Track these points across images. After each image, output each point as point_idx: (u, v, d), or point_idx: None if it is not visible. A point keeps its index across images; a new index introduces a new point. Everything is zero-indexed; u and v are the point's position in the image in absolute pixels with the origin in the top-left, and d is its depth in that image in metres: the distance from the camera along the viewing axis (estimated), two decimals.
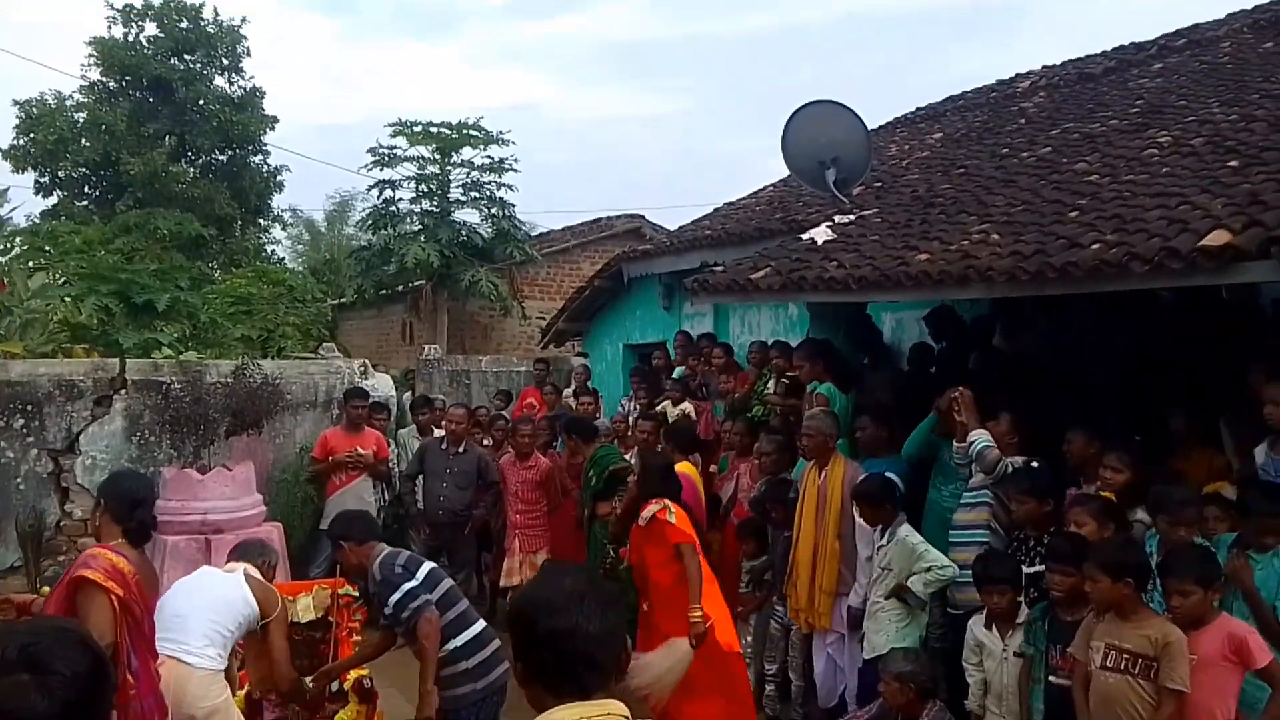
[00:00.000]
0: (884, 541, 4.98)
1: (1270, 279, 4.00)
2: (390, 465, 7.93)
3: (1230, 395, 4.67)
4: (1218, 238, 3.98)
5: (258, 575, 4.45)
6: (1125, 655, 3.54)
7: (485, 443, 8.49)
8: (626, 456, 6.96)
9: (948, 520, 5.18)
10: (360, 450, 7.50)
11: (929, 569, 4.76)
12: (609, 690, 1.82)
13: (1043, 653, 4.08)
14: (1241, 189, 4.50)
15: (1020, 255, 4.78)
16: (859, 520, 5.31)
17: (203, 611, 4.10)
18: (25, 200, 21.41)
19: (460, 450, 7.40)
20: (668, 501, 5.04)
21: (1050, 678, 4.03)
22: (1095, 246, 4.47)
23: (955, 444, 5.13)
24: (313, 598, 5.19)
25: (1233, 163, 5.03)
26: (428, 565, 4.40)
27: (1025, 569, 4.44)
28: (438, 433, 7.99)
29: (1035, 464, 4.74)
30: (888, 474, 5.27)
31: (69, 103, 20.24)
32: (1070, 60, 10.13)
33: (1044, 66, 10.41)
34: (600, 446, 6.89)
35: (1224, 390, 4.82)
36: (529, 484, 6.98)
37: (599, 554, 6.57)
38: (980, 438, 4.91)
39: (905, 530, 4.95)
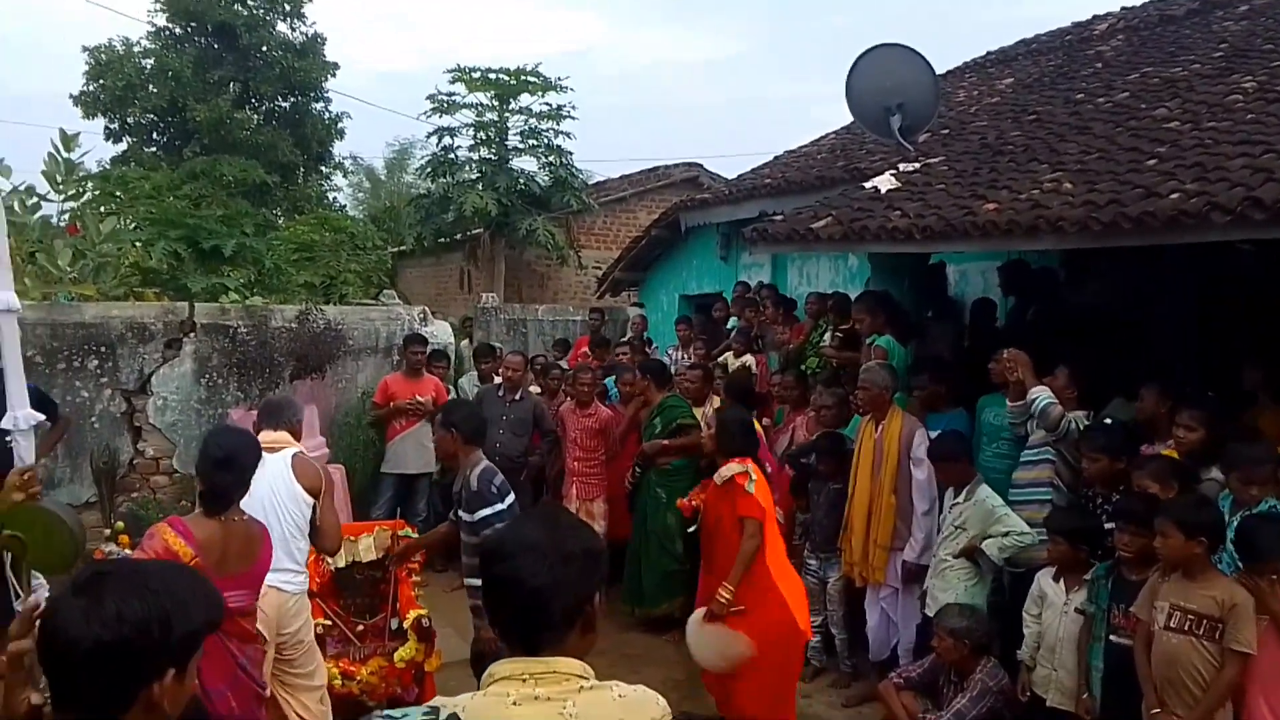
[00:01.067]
0: (960, 500, 4.91)
1: None
2: None
3: None
4: None
5: (296, 448, 4.33)
6: (1190, 616, 3.48)
7: (538, 390, 8.57)
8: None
9: (994, 481, 5.08)
10: (420, 398, 7.59)
11: (1007, 533, 4.68)
12: (563, 646, 1.73)
13: (1105, 611, 4.02)
14: None
15: (1094, 205, 4.62)
16: (915, 475, 5.26)
17: (287, 537, 4.10)
18: (95, 146, 21.86)
19: (517, 398, 7.46)
20: (749, 464, 4.74)
21: (1111, 636, 3.97)
22: (1174, 196, 4.30)
23: (1010, 403, 5.04)
24: (374, 539, 5.32)
25: None
26: (512, 495, 4.38)
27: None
28: (497, 380, 8.06)
29: (1109, 420, 4.63)
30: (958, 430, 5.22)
31: (136, 49, 20.56)
32: (1151, 1, 9.69)
33: (1123, 8, 9.98)
34: (670, 395, 6.87)
35: None
36: (588, 431, 6.99)
37: (651, 501, 6.61)
38: (1042, 395, 4.81)
39: (985, 491, 4.86)
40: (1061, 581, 4.30)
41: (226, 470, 3.36)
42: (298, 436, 4.51)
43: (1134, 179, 4.76)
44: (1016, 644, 4.49)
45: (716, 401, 6.95)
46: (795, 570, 4.95)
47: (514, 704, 1.68)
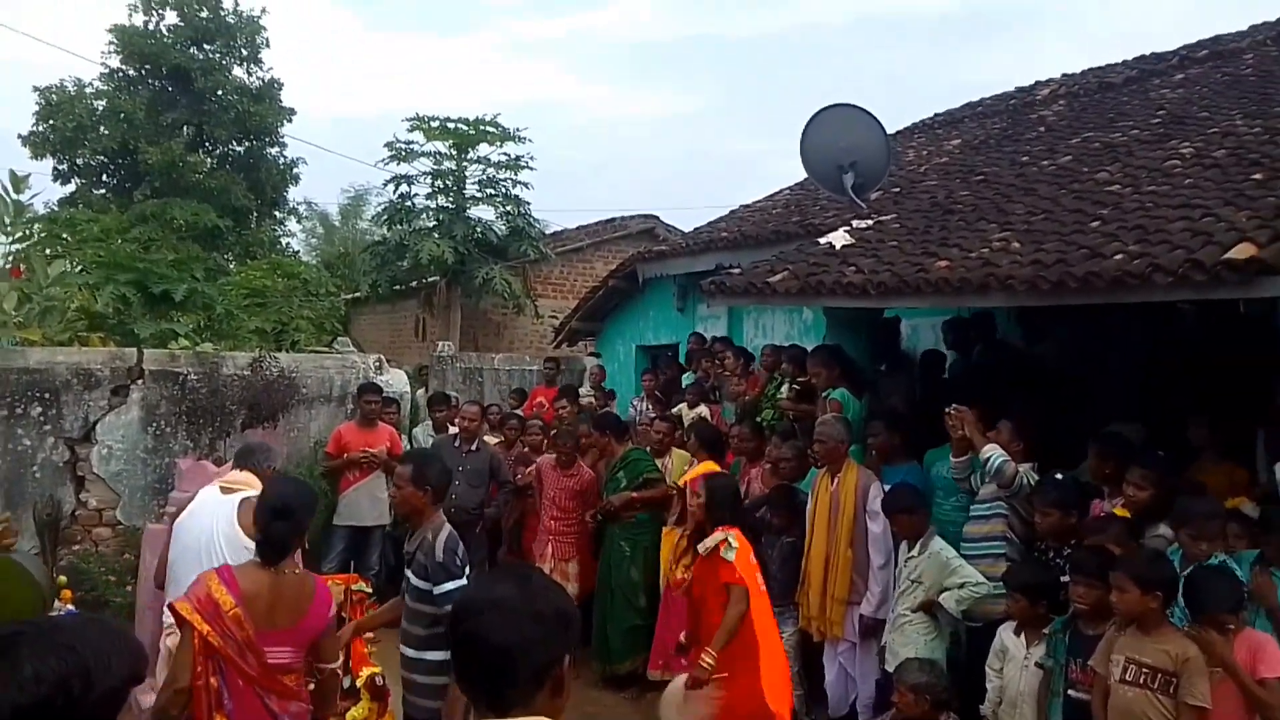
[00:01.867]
0: (915, 553, 4.95)
1: None
2: None
3: (1261, 408, 4.64)
4: (1243, 251, 3.96)
5: (254, 491, 4.17)
6: (1145, 669, 3.53)
7: (495, 440, 8.51)
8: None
9: (948, 534, 5.13)
10: (371, 449, 7.46)
11: (963, 585, 4.73)
12: (531, 707, 1.69)
13: (1063, 665, 4.07)
14: (1266, 202, 4.49)
15: (1041, 264, 4.77)
16: (871, 528, 5.31)
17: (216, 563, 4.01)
18: (44, 187, 21.47)
19: (473, 448, 7.40)
20: (732, 532, 4.51)
21: (1070, 691, 4.01)
22: (1118, 257, 4.45)
23: (953, 459, 5.12)
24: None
25: (1257, 175, 5.01)
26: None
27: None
28: (453, 430, 7.99)
29: (1059, 475, 4.73)
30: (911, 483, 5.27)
31: (88, 90, 20.35)
32: (1090, 69, 10.11)
33: (1064, 74, 10.38)
34: (632, 448, 6.87)
35: (1249, 404, 4.80)
36: (568, 492, 6.91)
37: (615, 554, 6.57)
38: (995, 453, 4.89)
39: (938, 544, 4.92)
40: (1022, 635, 4.34)
41: (284, 519, 3.30)
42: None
43: (1079, 240, 4.92)
44: (975, 698, 4.51)
45: (677, 454, 6.97)
46: (780, 642, 4.74)
47: None
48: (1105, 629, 3.79)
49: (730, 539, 4.44)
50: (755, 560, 4.61)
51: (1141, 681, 3.53)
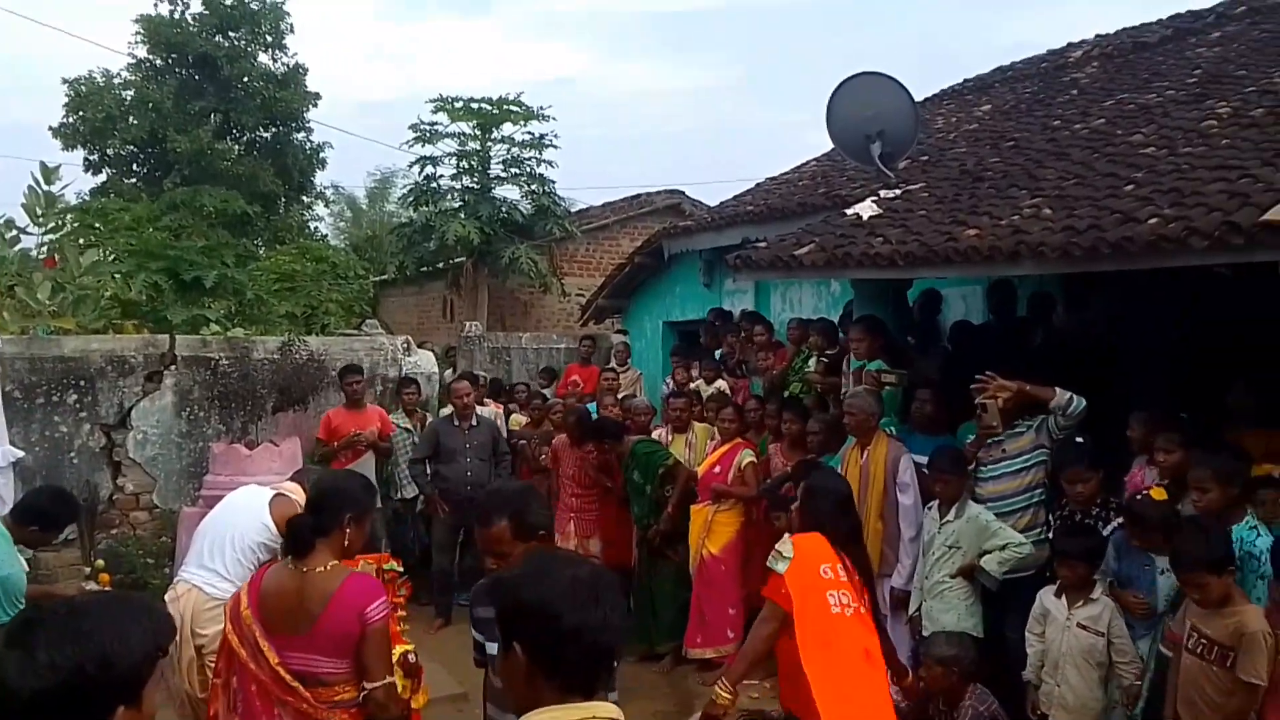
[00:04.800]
0: (951, 518, 4.91)
1: None
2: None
3: None
4: None
5: (295, 496, 4.32)
6: (1204, 640, 3.48)
7: (525, 420, 8.53)
8: (658, 436, 6.94)
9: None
10: (359, 432, 7.41)
11: (1004, 546, 4.69)
12: (609, 686, 1.78)
13: (1161, 617, 4.07)
14: None
15: (1073, 230, 4.66)
16: (901, 500, 5.26)
17: (226, 542, 4.25)
18: (75, 178, 21.77)
19: (474, 424, 7.39)
20: (807, 539, 3.64)
21: (1160, 646, 4.00)
22: (1152, 221, 4.34)
23: (985, 426, 5.01)
24: (360, 570, 5.24)
25: None
26: None
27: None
28: (445, 411, 7.90)
29: (1079, 440, 4.68)
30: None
31: (116, 80, 20.58)
32: (1124, 29, 9.84)
33: (1097, 35, 10.12)
34: (637, 440, 6.84)
35: None
36: (589, 466, 6.94)
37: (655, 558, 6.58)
38: (1067, 395, 4.77)
39: (975, 508, 4.87)
40: (1063, 598, 4.30)
41: (315, 512, 3.15)
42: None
43: (1112, 204, 4.81)
44: (1007, 663, 4.47)
45: (699, 428, 6.95)
46: (868, 688, 3.46)
47: None
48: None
49: (784, 548, 3.60)
50: (845, 577, 3.56)
51: (1200, 652, 3.49)
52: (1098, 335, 6.07)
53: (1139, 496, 4.41)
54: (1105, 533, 4.41)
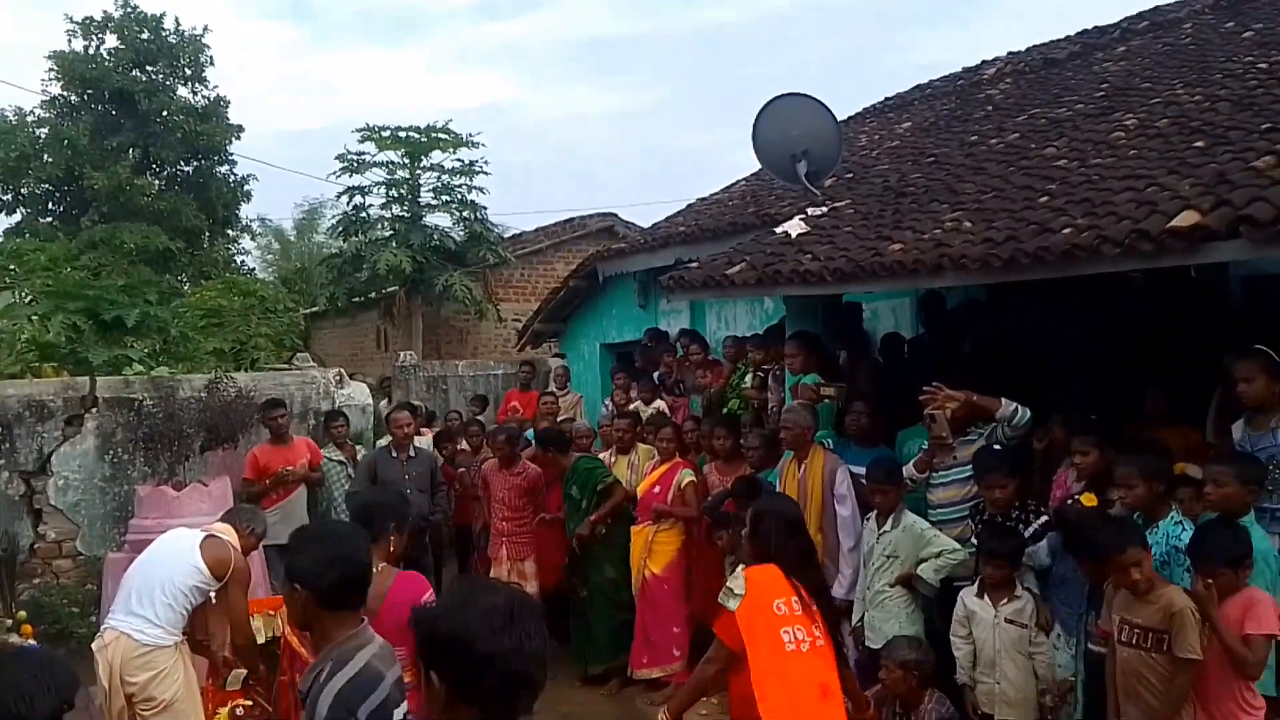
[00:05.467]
0: (889, 528, 4.98)
1: (1239, 258, 4.03)
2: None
3: (1216, 371, 4.69)
4: (1187, 218, 4.00)
5: (227, 537, 4.45)
6: (1137, 630, 3.56)
7: (461, 448, 8.44)
8: (604, 458, 6.93)
9: (915, 509, 5.17)
10: (289, 468, 7.26)
11: (939, 554, 4.79)
12: (531, 711, 1.79)
13: (1082, 618, 4.16)
14: (1208, 169, 4.53)
15: (992, 242, 4.79)
16: (839, 512, 5.32)
17: (155, 586, 4.20)
18: None
19: (412, 454, 7.30)
20: (762, 571, 3.51)
21: (1089, 644, 4.08)
22: (1066, 231, 4.48)
23: (935, 439, 5.10)
24: (261, 621, 5.11)
25: (1199, 143, 5.07)
26: None
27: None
28: (382, 442, 7.82)
29: (997, 446, 4.82)
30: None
31: (30, 118, 19.99)
32: (1035, 45, 10.19)
33: (1009, 53, 10.47)
34: (579, 457, 6.83)
35: (1204, 369, 4.86)
36: (516, 490, 6.88)
37: (590, 556, 6.54)
38: (1013, 406, 4.89)
39: (910, 518, 4.96)
40: (986, 597, 4.42)
41: (364, 525, 3.33)
42: (246, 548, 4.59)
43: (1029, 216, 4.95)
44: (951, 668, 4.56)
45: (642, 449, 6.95)
46: None
47: None
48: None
49: (735, 584, 3.48)
50: (801, 610, 3.43)
51: (1135, 642, 3.57)
52: (1024, 342, 6.23)
53: (1069, 502, 4.53)
54: (1026, 534, 4.54)
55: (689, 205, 11.19)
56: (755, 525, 3.69)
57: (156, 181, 20.34)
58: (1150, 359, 5.52)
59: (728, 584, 3.54)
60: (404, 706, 2.48)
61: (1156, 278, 5.62)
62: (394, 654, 2.60)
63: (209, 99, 20.79)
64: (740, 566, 3.60)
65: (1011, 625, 4.31)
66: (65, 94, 20.02)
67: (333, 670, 2.42)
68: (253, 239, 25.42)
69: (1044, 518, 4.60)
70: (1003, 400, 4.92)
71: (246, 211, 22.88)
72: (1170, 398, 5.00)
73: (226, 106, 20.92)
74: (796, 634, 3.38)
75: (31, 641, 5.22)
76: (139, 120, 19.75)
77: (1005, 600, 4.36)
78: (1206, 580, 3.49)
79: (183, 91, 20.64)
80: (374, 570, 3.11)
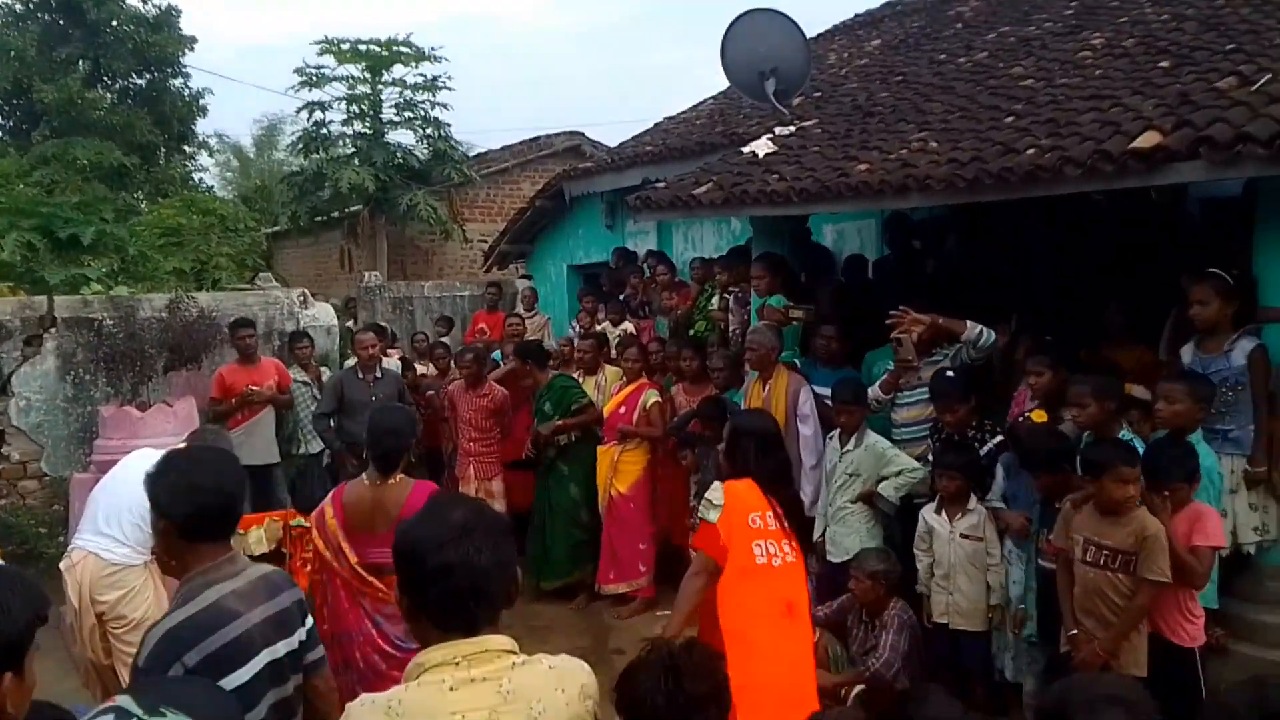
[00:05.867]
0: (851, 447, 5.09)
1: (1197, 179, 4.08)
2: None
3: (1172, 291, 4.77)
4: (1148, 139, 4.04)
5: None
6: (1105, 551, 3.64)
7: (431, 372, 8.45)
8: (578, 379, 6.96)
9: (880, 429, 5.28)
10: (254, 387, 7.21)
11: (899, 472, 4.93)
12: (496, 623, 1.81)
13: (1035, 535, 4.28)
14: (1172, 89, 4.56)
15: (957, 163, 4.81)
16: (802, 431, 5.41)
17: (123, 506, 4.17)
18: None
19: (379, 375, 7.28)
20: (739, 485, 3.47)
21: (1040, 560, 4.21)
22: (1030, 152, 4.51)
23: (900, 360, 5.17)
24: (265, 530, 5.18)
25: (1164, 63, 5.08)
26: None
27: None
28: (350, 362, 7.80)
29: (950, 373, 4.91)
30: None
31: None
32: None
33: None
34: (557, 374, 6.87)
35: (1161, 290, 4.95)
36: (482, 411, 6.90)
37: (554, 475, 6.63)
38: (978, 328, 4.97)
39: (873, 437, 5.08)
40: (943, 513, 4.58)
41: (393, 437, 3.75)
42: None
43: (994, 136, 4.96)
44: (910, 578, 4.73)
45: (610, 371, 6.99)
46: (786, 643, 3.36)
47: (450, 689, 1.72)
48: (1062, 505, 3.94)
49: (714, 495, 3.46)
50: (775, 524, 3.41)
51: (1101, 563, 3.64)
52: (988, 263, 6.29)
53: (1020, 419, 4.65)
54: (982, 452, 4.67)
55: (656, 124, 11.03)
56: (732, 441, 3.65)
57: (108, 95, 19.63)
58: (1110, 280, 5.61)
59: (707, 495, 3.51)
60: (282, 647, 2.32)
61: (1118, 199, 5.68)
62: (279, 589, 2.40)
63: (160, 8, 19.97)
64: (717, 484, 3.52)
65: (966, 540, 4.48)
66: (10, 2, 19.17)
67: (174, 606, 2.28)
68: (210, 156, 24.78)
69: (999, 437, 4.72)
70: (968, 322, 5.00)
71: (203, 127, 22.20)
72: (1128, 315, 5.11)
73: (178, 17, 20.12)
74: (769, 548, 3.37)
75: (0, 561, 5.23)
76: (88, 30, 18.97)
77: (960, 515, 4.53)
78: (1163, 494, 3.60)
79: (133, 0, 19.83)
80: (394, 481, 3.68)
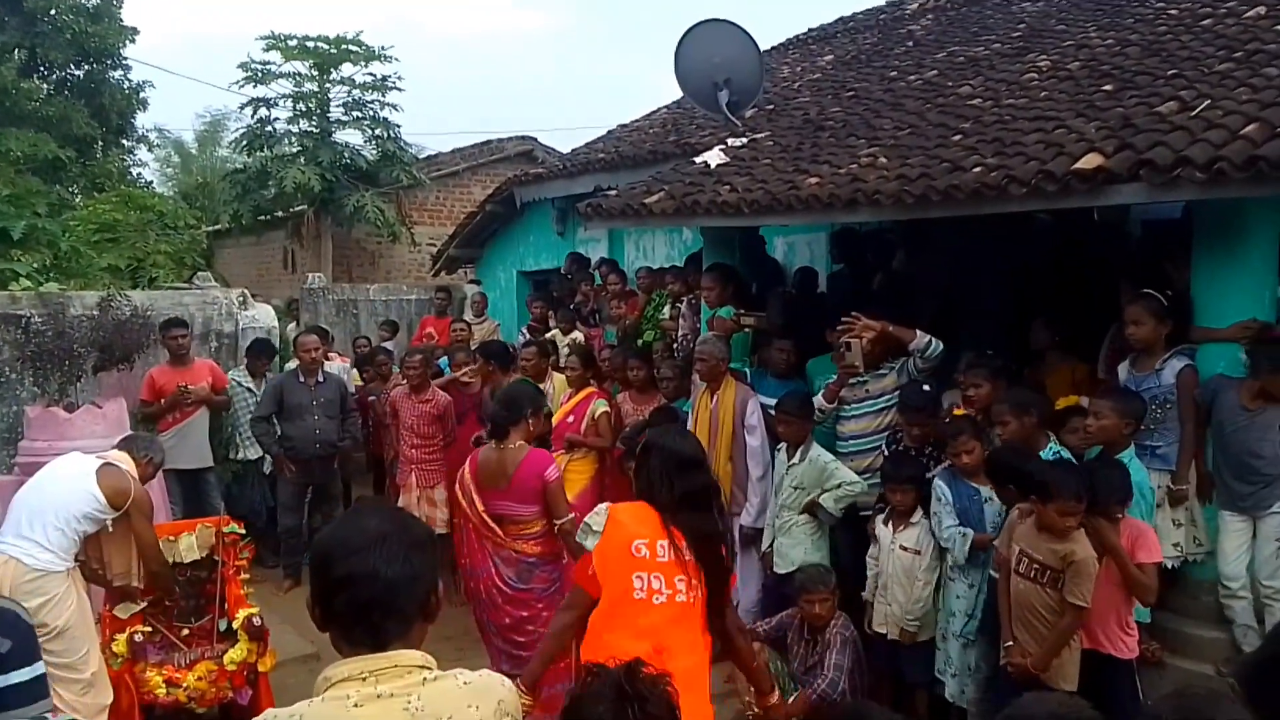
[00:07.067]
0: (796, 461, 5.11)
1: (1138, 200, 4.16)
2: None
3: (1113, 308, 4.87)
4: (1090, 161, 4.11)
5: (124, 466, 4.38)
6: (1035, 565, 3.71)
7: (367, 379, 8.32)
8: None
9: (825, 442, 5.29)
10: (191, 387, 7.06)
11: (839, 485, 4.95)
12: (409, 639, 1.73)
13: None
14: (1114, 112, 4.65)
15: (906, 179, 4.85)
16: (749, 442, 5.42)
17: (48, 511, 4.11)
18: None
19: (320, 379, 7.14)
20: (608, 513, 3.11)
21: (992, 571, 4.24)
22: (976, 170, 4.56)
23: (845, 367, 5.20)
24: (195, 537, 5.02)
25: (1107, 86, 5.18)
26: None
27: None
28: (291, 365, 7.66)
29: (926, 387, 4.94)
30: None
31: None
32: None
33: None
34: (517, 379, 6.77)
35: (1102, 307, 5.05)
36: (425, 418, 6.78)
37: None
38: (927, 338, 5.00)
39: (817, 450, 5.10)
40: (889, 525, 4.61)
41: (504, 408, 4.59)
42: (144, 476, 4.54)
43: (942, 154, 5.02)
44: (850, 589, 4.77)
45: (557, 379, 6.93)
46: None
47: (355, 705, 1.65)
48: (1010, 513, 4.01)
49: (594, 520, 3.11)
50: (670, 557, 2.97)
51: (1032, 576, 3.72)
52: (935, 278, 6.36)
53: (946, 421, 4.73)
54: (930, 475, 4.65)
55: (610, 132, 11.02)
56: (642, 458, 3.18)
57: (45, 85, 19.07)
58: (1051, 296, 5.71)
59: (586, 520, 3.14)
60: None
61: (1062, 218, 5.79)
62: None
63: None
64: (601, 507, 3.18)
65: (904, 552, 4.52)
66: None
67: None
68: (150, 150, 24.14)
69: (947, 462, 4.73)
70: (917, 332, 5.03)
71: (143, 121, 21.68)
72: (1060, 332, 5.20)
73: (119, 7, 19.61)
74: (652, 582, 2.94)
75: None
76: (24, 19, 18.39)
77: (903, 527, 4.56)
78: (1114, 518, 3.71)
79: None
80: (513, 445, 4.48)
